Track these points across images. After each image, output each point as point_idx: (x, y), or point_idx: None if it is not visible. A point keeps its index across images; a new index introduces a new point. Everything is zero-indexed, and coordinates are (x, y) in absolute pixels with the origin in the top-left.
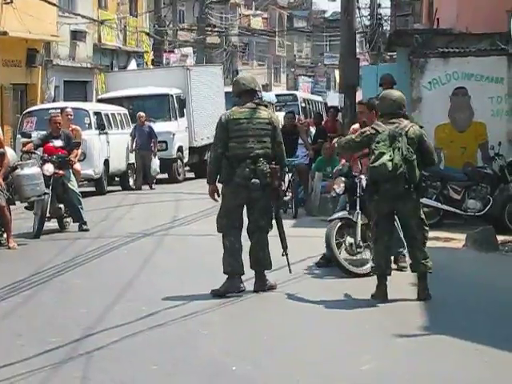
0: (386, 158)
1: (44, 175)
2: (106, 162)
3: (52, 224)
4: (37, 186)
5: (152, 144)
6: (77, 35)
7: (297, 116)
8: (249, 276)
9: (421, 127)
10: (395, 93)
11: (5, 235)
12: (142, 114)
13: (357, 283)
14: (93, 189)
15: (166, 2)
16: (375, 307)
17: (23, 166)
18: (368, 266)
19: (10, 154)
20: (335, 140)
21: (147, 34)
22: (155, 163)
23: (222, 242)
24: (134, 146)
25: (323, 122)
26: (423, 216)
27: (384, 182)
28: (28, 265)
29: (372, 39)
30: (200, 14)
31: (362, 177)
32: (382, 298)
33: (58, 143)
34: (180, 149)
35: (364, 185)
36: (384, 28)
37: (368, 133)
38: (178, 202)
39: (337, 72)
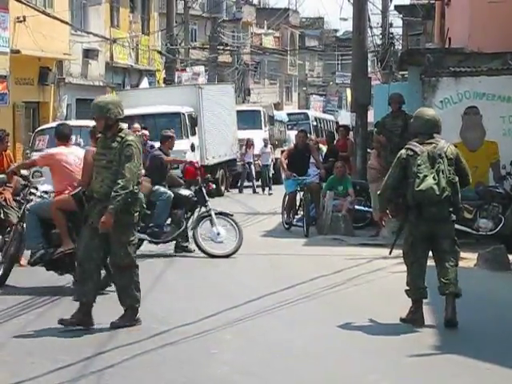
0: (431, 181)
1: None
2: None
3: None
4: None
5: None
6: (89, 53)
7: (308, 135)
8: (252, 296)
9: (455, 146)
10: (429, 111)
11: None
12: (145, 132)
13: (371, 302)
14: None
15: (178, 20)
16: (385, 327)
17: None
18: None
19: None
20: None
21: (159, 52)
22: None
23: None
24: None
25: (335, 141)
26: (455, 238)
27: (429, 206)
28: (39, 282)
29: (384, 58)
30: (212, 33)
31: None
32: (420, 324)
33: None
34: None
35: None
36: (396, 47)
37: (404, 156)
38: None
39: (348, 91)
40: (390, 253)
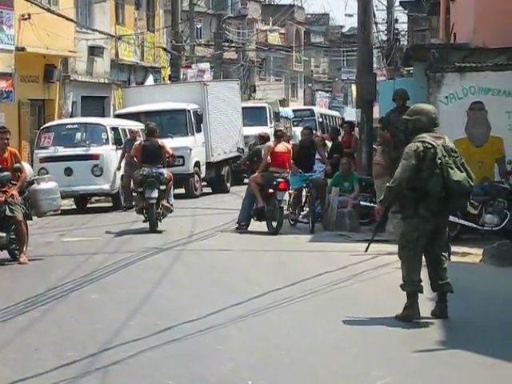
0: (462, 173)
1: None
2: (123, 178)
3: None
4: (53, 201)
5: None
6: (94, 51)
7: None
8: (258, 293)
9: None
10: (430, 107)
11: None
12: (133, 128)
13: (376, 298)
14: (110, 204)
15: (184, 17)
16: (390, 322)
17: (40, 181)
18: None
19: (27, 169)
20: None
21: (164, 49)
22: None
23: None
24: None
25: (340, 137)
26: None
27: (459, 198)
28: (45, 279)
29: (389, 54)
30: (217, 30)
31: None
32: (417, 317)
33: None
34: (197, 164)
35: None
36: (401, 43)
37: (422, 148)
38: (194, 217)
39: (354, 87)
40: (367, 250)
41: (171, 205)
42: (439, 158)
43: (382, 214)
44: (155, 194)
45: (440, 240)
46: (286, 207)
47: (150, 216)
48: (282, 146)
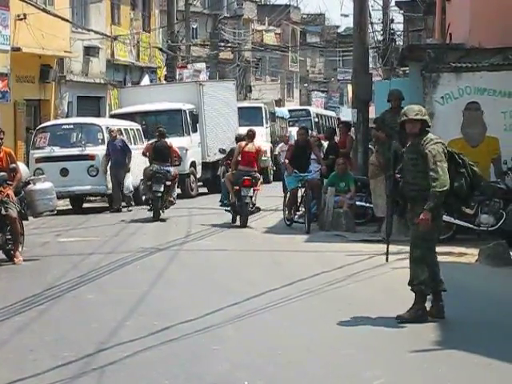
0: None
1: None
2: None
3: None
4: (49, 201)
5: (127, 160)
6: (90, 51)
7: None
8: (254, 293)
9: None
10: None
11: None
12: (112, 128)
13: (372, 298)
14: (106, 204)
15: (179, 17)
16: (386, 322)
17: (35, 181)
18: None
19: (23, 170)
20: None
21: (160, 49)
22: (128, 181)
23: None
24: (110, 163)
25: (336, 138)
26: None
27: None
28: (41, 280)
29: (385, 54)
30: (213, 30)
31: None
32: (441, 316)
33: None
34: (193, 164)
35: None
36: (397, 43)
37: (444, 149)
38: (190, 217)
39: (350, 87)
40: (387, 259)
41: (174, 198)
42: (461, 158)
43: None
44: (161, 188)
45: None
46: (250, 202)
47: (155, 206)
48: (251, 146)
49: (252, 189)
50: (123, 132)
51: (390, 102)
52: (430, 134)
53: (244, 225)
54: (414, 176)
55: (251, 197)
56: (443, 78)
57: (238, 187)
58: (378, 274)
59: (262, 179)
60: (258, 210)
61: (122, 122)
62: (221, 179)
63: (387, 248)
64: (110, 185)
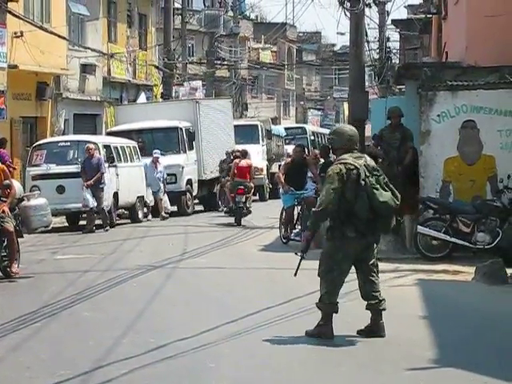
0: (388, 193)
1: None
2: (116, 195)
3: None
4: (44, 217)
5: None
6: (86, 68)
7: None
8: (250, 310)
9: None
10: (349, 126)
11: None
12: (90, 145)
13: (368, 316)
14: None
15: (176, 35)
16: (382, 340)
17: (30, 197)
18: None
19: (17, 187)
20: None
21: (156, 67)
22: (102, 200)
23: None
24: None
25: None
26: None
27: (386, 218)
28: (37, 297)
29: (381, 72)
30: (209, 48)
31: None
32: (330, 336)
33: None
34: (189, 182)
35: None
36: (393, 61)
37: (344, 170)
38: (187, 234)
39: (346, 105)
40: (296, 274)
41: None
42: (363, 180)
43: (307, 240)
44: (243, 199)
45: (369, 259)
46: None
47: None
48: (244, 162)
49: (245, 196)
50: (119, 149)
51: (389, 120)
52: (345, 155)
53: (238, 224)
54: None
55: (244, 202)
56: (439, 96)
57: (232, 195)
58: None
59: (253, 187)
60: (249, 212)
61: (119, 140)
62: (217, 198)
63: (299, 264)
64: (106, 202)
